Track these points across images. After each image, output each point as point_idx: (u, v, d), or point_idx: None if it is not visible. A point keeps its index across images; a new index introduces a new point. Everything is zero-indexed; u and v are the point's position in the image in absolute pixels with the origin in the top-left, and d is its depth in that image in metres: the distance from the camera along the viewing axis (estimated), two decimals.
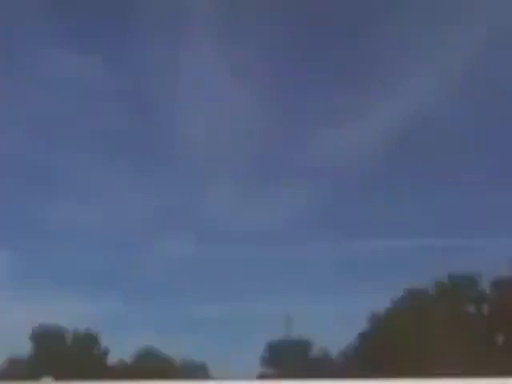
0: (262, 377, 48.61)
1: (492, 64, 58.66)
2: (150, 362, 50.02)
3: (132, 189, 62.83)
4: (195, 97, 62.78)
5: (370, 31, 60.00)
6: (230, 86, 62.27)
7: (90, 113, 64.30)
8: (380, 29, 60.28)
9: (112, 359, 51.63)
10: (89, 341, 50.86)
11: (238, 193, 62.06)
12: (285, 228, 59.35)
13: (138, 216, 61.52)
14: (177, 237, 60.05)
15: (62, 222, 59.51)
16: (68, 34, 64.80)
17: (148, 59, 61.75)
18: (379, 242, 52.41)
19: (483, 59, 58.35)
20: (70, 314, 50.92)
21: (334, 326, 48.77)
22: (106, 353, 51.73)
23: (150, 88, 64.02)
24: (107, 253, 58.22)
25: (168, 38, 63.19)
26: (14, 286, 54.06)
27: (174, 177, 63.23)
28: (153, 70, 63.05)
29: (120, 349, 50.84)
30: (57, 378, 21.07)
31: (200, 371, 51.98)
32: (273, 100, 64.83)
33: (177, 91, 64.71)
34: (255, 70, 63.04)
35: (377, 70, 61.41)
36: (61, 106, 62.83)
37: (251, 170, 63.78)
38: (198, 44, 61.72)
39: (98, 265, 57.12)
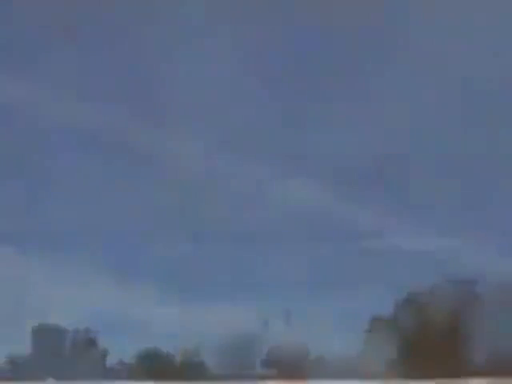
0: (262, 377, 48.69)
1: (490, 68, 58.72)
2: (150, 362, 50.12)
3: (132, 188, 62.78)
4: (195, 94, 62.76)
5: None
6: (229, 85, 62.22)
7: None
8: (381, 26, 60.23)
9: (112, 360, 51.73)
10: (88, 341, 50.99)
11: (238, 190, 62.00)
12: (285, 227, 59.30)
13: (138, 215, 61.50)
14: (177, 236, 59.99)
15: (61, 221, 59.54)
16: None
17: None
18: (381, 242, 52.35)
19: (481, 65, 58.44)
20: (69, 313, 50.96)
21: (335, 327, 48.79)
22: (105, 354, 51.83)
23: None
24: (107, 253, 58.20)
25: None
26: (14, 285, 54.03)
27: (173, 176, 63.12)
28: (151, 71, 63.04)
29: (120, 349, 50.90)
30: (57, 378, 21.17)
31: (199, 371, 52.06)
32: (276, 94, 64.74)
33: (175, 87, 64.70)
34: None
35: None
36: None
37: (252, 168, 63.72)
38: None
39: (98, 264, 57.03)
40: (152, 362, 49.00)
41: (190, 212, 34.16)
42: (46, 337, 50.31)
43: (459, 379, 19.43)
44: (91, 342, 51.94)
